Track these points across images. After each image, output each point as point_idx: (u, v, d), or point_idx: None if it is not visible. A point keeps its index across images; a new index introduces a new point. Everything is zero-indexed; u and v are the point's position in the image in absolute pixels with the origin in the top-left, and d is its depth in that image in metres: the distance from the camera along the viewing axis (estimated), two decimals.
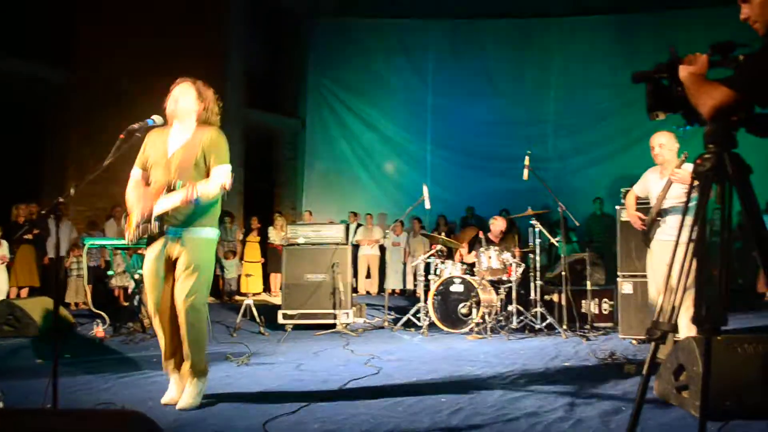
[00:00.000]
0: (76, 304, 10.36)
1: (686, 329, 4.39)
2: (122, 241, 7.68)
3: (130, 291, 8.28)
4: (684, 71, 2.20)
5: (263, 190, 14.79)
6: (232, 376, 4.87)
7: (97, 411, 2.71)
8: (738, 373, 3.34)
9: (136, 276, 7.13)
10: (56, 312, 3.13)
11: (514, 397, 4.10)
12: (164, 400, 3.94)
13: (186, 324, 3.82)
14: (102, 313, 7.12)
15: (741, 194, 2.13)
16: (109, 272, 9.00)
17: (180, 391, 3.93)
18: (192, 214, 3.79)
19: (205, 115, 3.98)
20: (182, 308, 3.80)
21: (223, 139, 3.93)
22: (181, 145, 3.89)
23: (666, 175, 5.02)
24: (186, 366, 3.88)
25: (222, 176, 3.73)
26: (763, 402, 3.19)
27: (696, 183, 2.23)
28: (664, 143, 5.02)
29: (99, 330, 6.70)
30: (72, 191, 3.01)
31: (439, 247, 7.96)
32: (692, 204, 2.30)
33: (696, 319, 2.32)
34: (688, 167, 4.48)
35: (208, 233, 3.90)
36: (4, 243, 9.27)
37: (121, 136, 3.28)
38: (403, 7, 14.94)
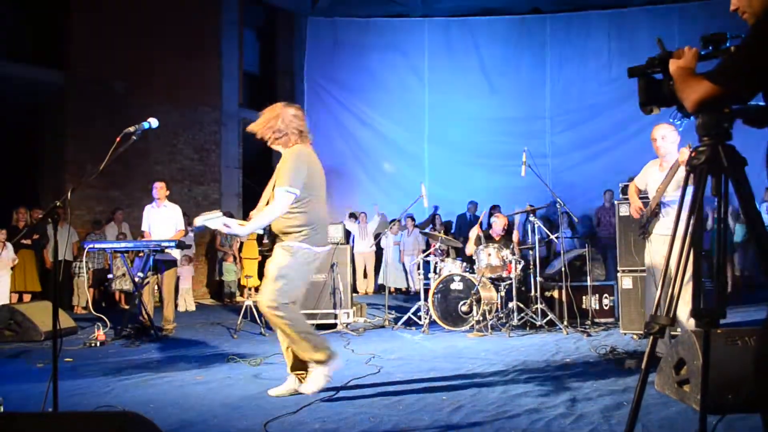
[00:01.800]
0: (75, 308, 10.38)
1: (686, 323, 4.39)
2: (122, 245, 7.72)
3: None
4: (673, 65, 2.20)
5: (262, 190, 14.78)
6: (233, 377, 4.86)
7: (97, 413, 2.71)
8: (738, 366, 3.34)
9: (137, 279, 7.12)
10: (55, 316, 3.12)
11: (515, 394, 4.11)
12: (271, 392, 4.18)
13: (274, 327, 4.05)
14: (102, 317, 7.12)
15: (736, 187, 2.13)
16: (109, 276, 8.99)
17: (286, 387, 4.17)
18: (282, 231, 4.04)
19: (279, 136, 4.10)
20: (264, 313, 4.01)
21: (290, 159, 4.03)
22: (277, 167, 4.13)
23: (666, 167, 5.02)
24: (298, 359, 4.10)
25: (274, 202, 3.96)
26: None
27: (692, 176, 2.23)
28: (666, 135, 5.02)
29: (100, 333, 6.70)
30: (69, 195, 3.01)
31: (438, 245, 7.95)
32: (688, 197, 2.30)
33: (695, 313, 2.32)
34: None
35: (289, 243, 4.02)
36: (10, 246, 9.25)
37: (117, 139, 3.27)
38: (397, 5, 14.96)
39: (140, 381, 4.79)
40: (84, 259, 7.70)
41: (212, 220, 4.04)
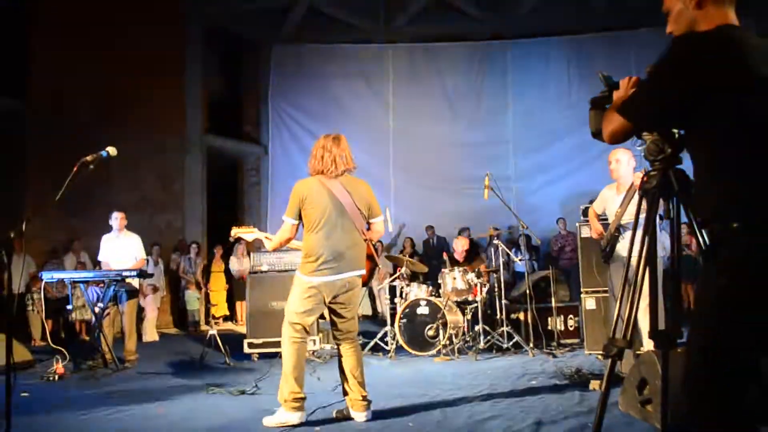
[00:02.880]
0: (33, 340, 10.10)
1: (647, 342, 4.45)
2: (82, 274, 7.55)
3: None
4: (615, 95, 2.27)
5: (227, 217, 14.65)
6: (196, 409, 4.77)
7: None
8: None
9: (97, 309, 6.96)
10: (9, 348, 3.04)
11: (482, 418, 4.11)
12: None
13: None
14: (61, 349, 6.92)
15: (687, 210, 2.18)
16: (68, 306, 8.77)
17: (350, 408, 4.28)
18: None
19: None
20: None
21: (293, 191, 4.32)
22: None
23: (622, 191, 5.13)
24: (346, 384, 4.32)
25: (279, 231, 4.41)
26: None
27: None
28: (620, 159, 5.15)
29: (59, 366, 6.50)
30: (23, 226, 2.94)
31: (403, 269, 7.95)
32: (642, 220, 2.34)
33: (652, 334, 2.36)
34: None
35: (296, 273, 4.37)
36: None
37: (75, 168, 3.22)
38: (361, 32, 15.09)
39: (101, 415, 4.66)
40: (41, 291, 7.48)
41: (247, 234, 4.89)
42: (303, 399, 4.15)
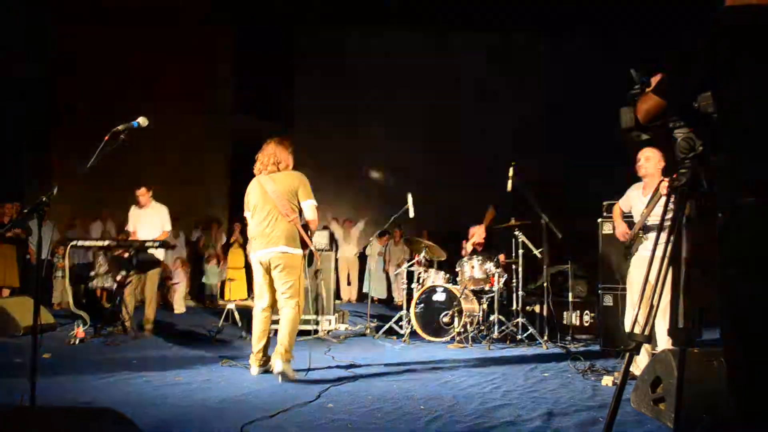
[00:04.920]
0: (59, 304, 10.29)
1: (664, 342, 4.44)
2: (105, 242, 7.67)
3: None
4: (648, 90, 2.27)
5: None
6: (212, 379, 4.85)
7: (75, 409, 2.70)
8: (713, 386, 3.39)
9: (119, 278, 7.08)
10: (36, 311, 3.11)
11: (492, 406, 4.13)
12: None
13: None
14: (83, 314, 7.07)
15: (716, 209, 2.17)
16: (91, 273, 8.93)
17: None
18: None
19: None
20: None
21: None
22: None
23: (648, 191, 5.09)
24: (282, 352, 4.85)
25: None
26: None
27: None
28: (650, 156, 5.10)
29: (79, 331, 6.65)
30: (55, 191, 3.00)
31: (422, 255, 7.97)
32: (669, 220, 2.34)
33: (671, 332, 2.36)
34: None
35: None
36: None
37: (106, 137, 3.27)
38: (390, 17, 15.02)
39: (119, 380, 4.77)
40: (65, 257, 7.62)
41: None
42: (260, 355, 5.04)
